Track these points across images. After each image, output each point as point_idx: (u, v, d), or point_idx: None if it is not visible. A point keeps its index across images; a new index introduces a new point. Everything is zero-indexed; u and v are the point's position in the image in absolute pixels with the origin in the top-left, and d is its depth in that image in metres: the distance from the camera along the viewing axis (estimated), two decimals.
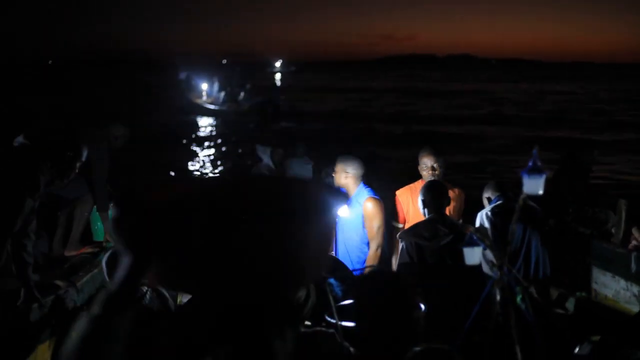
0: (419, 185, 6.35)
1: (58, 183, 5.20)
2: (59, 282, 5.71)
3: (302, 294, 3.97)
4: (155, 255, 2.22)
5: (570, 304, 5.67)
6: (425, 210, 5.41)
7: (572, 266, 6.68)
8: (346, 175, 6.16)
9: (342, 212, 6.10)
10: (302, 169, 6.82)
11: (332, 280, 5.13)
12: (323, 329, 3.89)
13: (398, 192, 6.52)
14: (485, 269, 5.03)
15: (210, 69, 48.88)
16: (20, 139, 5.05)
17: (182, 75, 48.85)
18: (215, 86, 45.02)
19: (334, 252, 6.06)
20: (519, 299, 4.01)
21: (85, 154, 5.24)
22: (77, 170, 5.26)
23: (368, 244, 6.21)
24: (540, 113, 44.65)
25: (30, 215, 4.97)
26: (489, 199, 6.08)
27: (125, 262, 2.12)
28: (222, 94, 43.77)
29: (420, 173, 6.37)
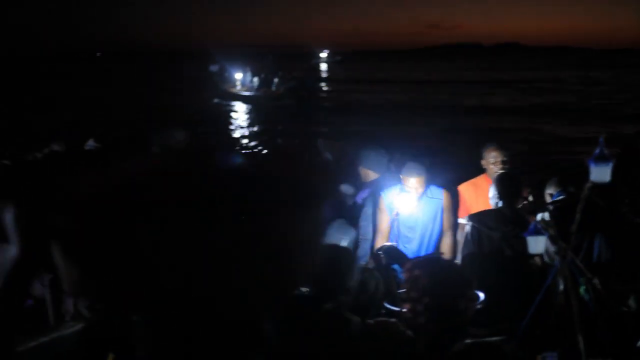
0: (481, 180, 6.35)
1: None
2: None
3: (372, 283, 3.99)
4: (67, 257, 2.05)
5: (632, 301, 5.59)
6: (499, 202, 5.41)
7: (629, 258, 6.58)
8: (424, 180, 6.14)
9: (406, 209, 6.11)
10: (377, 161, 6.80)
11: (395, 267, 5.14)
12: (384, 319, 3.90)
13: (461, 187, 6.54)
14: (547, 259, 4.99)
15: (243, 60, 50.00)
16: (91, 142, 5.13)
17: (214, 68, 50.05)
18: (248, 75, 45.75)
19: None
20: (582, 289, 3.98)
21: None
22: None
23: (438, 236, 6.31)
24: (590, 103, 43.51)
25: None
26: (551, 195, 6.02)
27: (11, 258, 1.97)
28: (256, 80, 44.54)
29: (486, 167, 6.38)
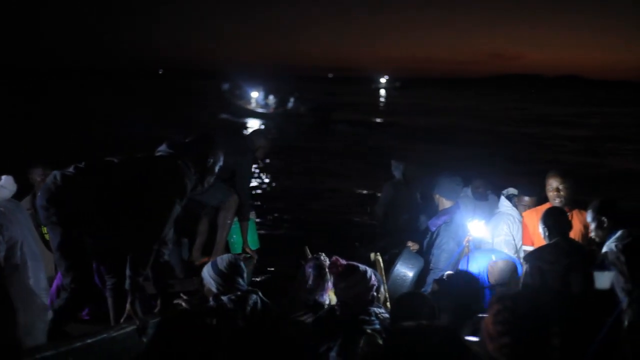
0: (545, 208, 6.28)
1: (199, 188, 5.32)
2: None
3: (426, 311, 4.01)
4: None
5: None
6: (548, 236, 5.39)
7: None
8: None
9: (478, 233, 6.12)
10: (452, 189, 6.77)
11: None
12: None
13: (525, 214, 6.49)
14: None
15: (261, 79, 55.09)
16: (163, 147, 5.20)
17: (225, 86, 54.52)
18: (262, 94, 49.74)
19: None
20: None
21: (221, 158, 5.36)
22: (215, 175, 5.39)
23: None
24: None
25: (171, 223, 5.08)
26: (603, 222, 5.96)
27: None
28: (271, 98, 48.45)
29: (547, 194, 6.31)
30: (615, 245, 5.01)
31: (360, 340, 4.07)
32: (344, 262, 4.84)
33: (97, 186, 4.84)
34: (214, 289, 4.82)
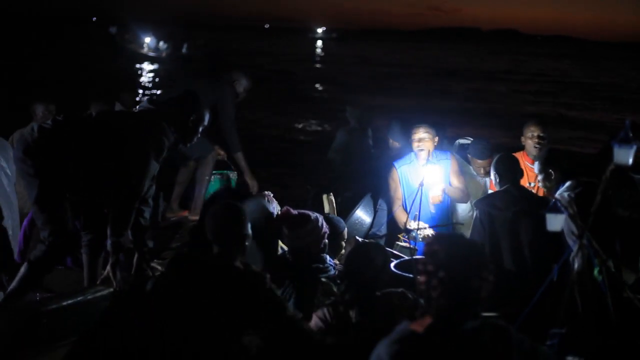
0: (518, 156, 6.27)
1: (182, 148, 5.25)
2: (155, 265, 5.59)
3: (380, 258, 4.03)
4: None
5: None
6: (499, 182, 5.44)
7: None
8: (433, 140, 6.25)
9: (431, 178, 6.13)
10: (402, 133, 6.82)
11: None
12: (391, 289, 3.95)
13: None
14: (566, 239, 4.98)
15: (155, 24, 57.71)
16: (145, 103, 5.12)
17: (112, 30, 55.62)
18: (154, 39, 51.37)
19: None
20: (596, 271, 3.99)
21: (207, 118, 5.24)
22: (199, 135, 5.28)
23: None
24: (594, 93, 42.31)
25: (151, 180, 5.02)
26: (551, 174, 6.04)
27: None
28: (162, 43, 50.19)
29: (524, 143, 6.38)
30: (568, 195, 5.10)
31: (316, 289, 4.17)
32: (295, 212, 4.84)
33: (74, 140, 4.78)
34: None
